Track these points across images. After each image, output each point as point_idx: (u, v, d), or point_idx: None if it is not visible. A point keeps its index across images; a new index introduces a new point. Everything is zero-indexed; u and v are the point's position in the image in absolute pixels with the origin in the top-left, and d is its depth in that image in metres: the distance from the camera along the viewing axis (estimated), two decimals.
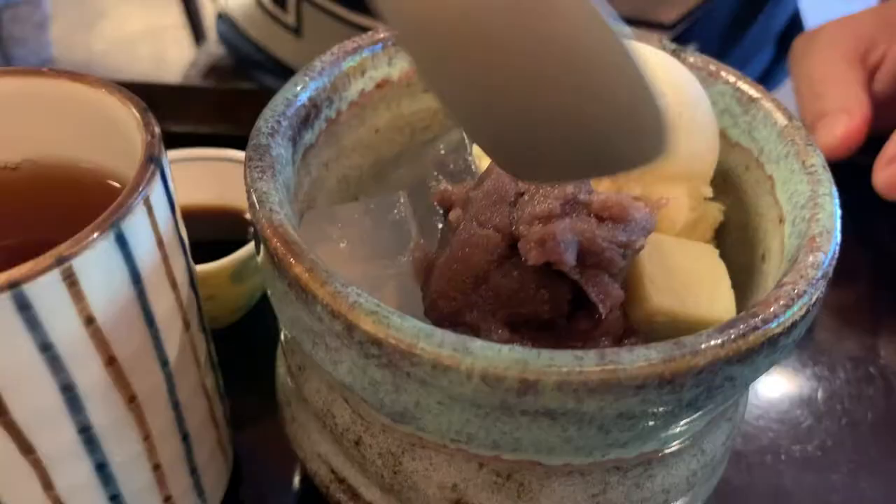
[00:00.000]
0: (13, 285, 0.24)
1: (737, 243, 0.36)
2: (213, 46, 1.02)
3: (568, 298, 0.29)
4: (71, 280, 0.25)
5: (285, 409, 0.37)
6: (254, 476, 0.42)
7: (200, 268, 0.42)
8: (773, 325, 0.26)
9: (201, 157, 0.49)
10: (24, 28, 1.92)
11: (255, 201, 0.29)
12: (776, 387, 0.47)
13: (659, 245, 0.33)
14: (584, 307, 0.30)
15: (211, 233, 0.48)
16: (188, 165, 0.49)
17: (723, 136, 0.37)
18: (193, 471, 0.35)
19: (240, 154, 0.50)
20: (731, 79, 0.37)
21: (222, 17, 0.94)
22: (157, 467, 0.32)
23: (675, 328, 0.31)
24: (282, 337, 0.35)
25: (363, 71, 0.37)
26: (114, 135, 0.31)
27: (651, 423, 0.27)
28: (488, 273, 0.29)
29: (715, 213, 0.36)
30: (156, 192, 0.28)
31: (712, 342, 0.25)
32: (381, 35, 0.38)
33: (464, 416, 0.26)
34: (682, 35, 0.77)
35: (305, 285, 0.26)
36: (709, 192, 0.36)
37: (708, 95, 0.37)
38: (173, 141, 0.50)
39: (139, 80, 0.68)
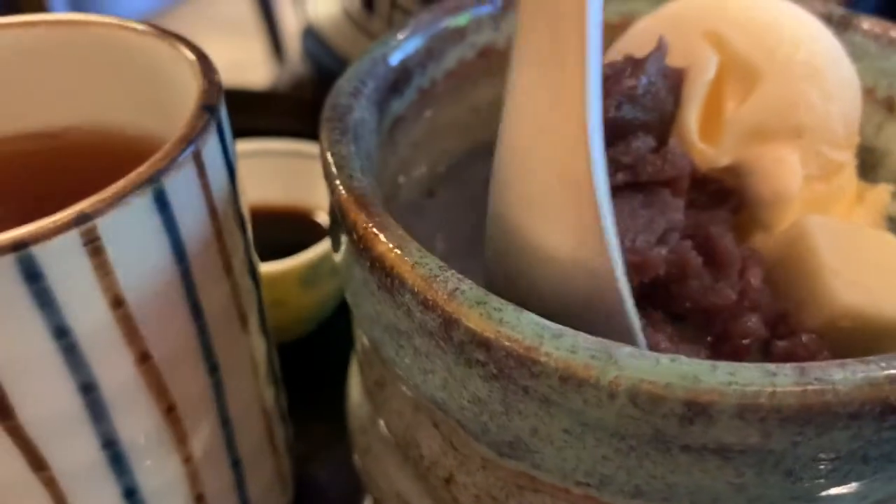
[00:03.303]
0: (19, 247, 0.18)
1: None
2: (295, 66, 0.99)
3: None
4: (95, 246, 0.19)
5: (358, 438, 0.30)
6: None
7: (266, 267, 0.36)
8: None
9: (265, 151, 0.44)
10: None
11: (333, 166, 0.23)
12: None
13: (837, 230, 0.26)
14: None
15: (276, 235, 0.43)
16: (251, 161, 0.44)
17: None
18: None
19: (309, 147, 0.45)
20: None
21: (309, 32, 0.91)
22: (199, 498, 0.26)
23: (860, 337, 0.24)
24: (358, 346, 0.29)
25: (463, 35, 0.31)
26: (169, 91, 0.26)
27: (857, 469, 0.19)
28: None
29: (883, 194, 0.29)
30: (209, 148, 0.22)
31: None
32: None
33: (599, 451, 0.20)
34: None
35: (391, 267, 0.20)
36: (841, 155, 0.28)
37: (891, 67, 0.30)
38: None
39: None
